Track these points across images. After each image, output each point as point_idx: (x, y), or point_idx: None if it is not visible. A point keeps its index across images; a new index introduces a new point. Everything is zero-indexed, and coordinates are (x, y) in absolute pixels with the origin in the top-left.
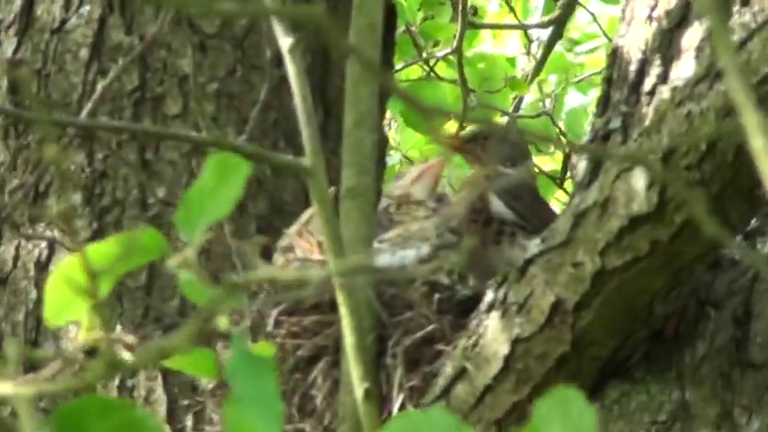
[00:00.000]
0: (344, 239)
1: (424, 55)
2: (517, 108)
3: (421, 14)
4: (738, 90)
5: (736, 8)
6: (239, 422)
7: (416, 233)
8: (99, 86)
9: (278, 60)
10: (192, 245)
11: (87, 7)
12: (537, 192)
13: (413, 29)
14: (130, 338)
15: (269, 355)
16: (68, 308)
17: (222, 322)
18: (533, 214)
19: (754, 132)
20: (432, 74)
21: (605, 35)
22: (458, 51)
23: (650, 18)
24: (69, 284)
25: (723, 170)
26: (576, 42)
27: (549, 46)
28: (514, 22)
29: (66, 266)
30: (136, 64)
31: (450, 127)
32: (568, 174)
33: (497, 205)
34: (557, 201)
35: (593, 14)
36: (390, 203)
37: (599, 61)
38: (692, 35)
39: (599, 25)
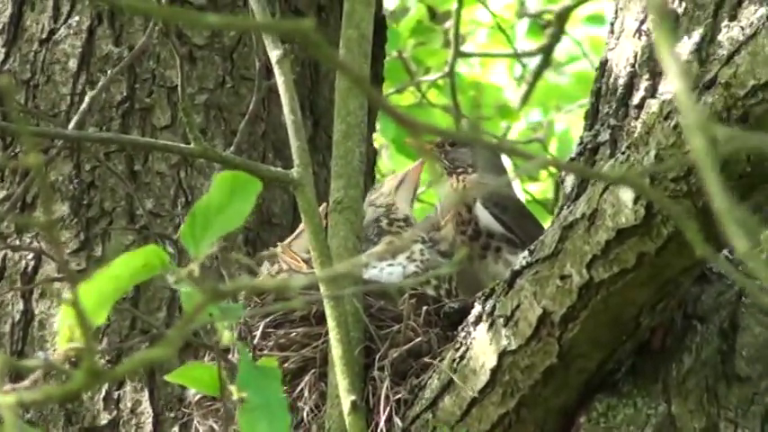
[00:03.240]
0: (332, 251)
1: (416, 80)
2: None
3: (412, 41)
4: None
5: (724, 23)
6: (252, 430)
7: (403, 248)
8: (87, 97)
9: (267, 72)
10: (197, 259)
11: (76, 18)
12: (523, 205)
13: (404, 55)
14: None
15: (274, 366)
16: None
17: (226, 336)
18: (520, 227)
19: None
20: (423, 100)
21: (590, 62)
22: (450, 76)
23: (639, 32)
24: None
25: None
26: (561, 64)
27: (537, 74)
28: (502, 50)
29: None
30: (124, 75)
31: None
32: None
33: (485, 217)
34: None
35: (578, 43)
36: (381, 215)
37: (585, 82)
38: (681, 48)
39: (584, 53)
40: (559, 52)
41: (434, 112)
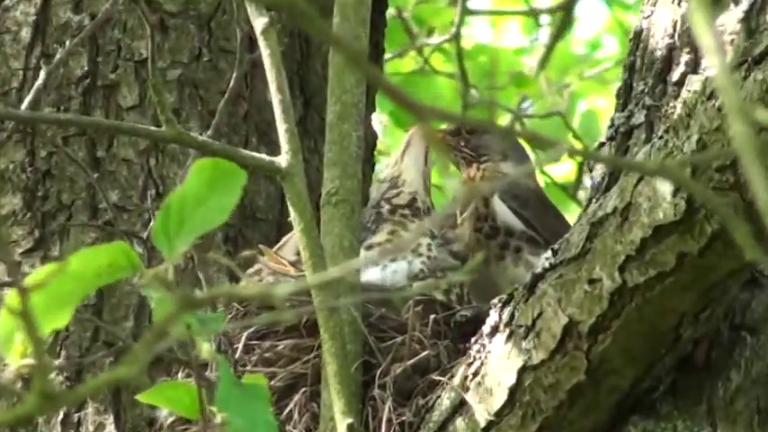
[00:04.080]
0: (325, 251)
1: (418, 44)
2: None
3: None
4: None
5: None
6: None
7: (408, 244)
8: (42, 72)
9: (250, 43)
10: (171, 259)
11: None
12: (546, 198)
13: (405, 14)
14: None
15: (261, 384)
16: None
17: (205, 350)
18: (544, 224)
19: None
20: (426, 66)
21: (616, 20)
22: (456, 39)
23: None
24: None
25: None
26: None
27: (556, 35)
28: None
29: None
30: (85, 46)
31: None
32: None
33: (503, 213)
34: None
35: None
36: (383, 195)
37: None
38: (728, 17)
39: (616, 20)
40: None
41: (438, 80)
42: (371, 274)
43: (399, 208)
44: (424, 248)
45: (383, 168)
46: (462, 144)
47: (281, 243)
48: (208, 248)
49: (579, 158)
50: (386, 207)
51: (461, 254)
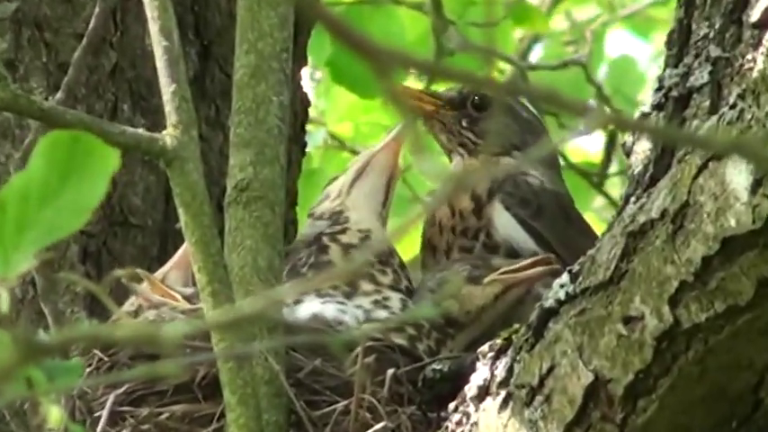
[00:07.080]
0: (232, 274)
1: None
2: (527, 54)
3: None
4: None
5: None
6: None
7: (369, 293)
8: None
9: None
10: (6, 281)
11: None
12: (571, 205)
13: None
14: None
15: None
16: None
17: (54, 417)
18: (564, 241)
19: None
20: None
21: None
22: None
23: None
24: None
25: None
26: None
27: None
28: None
29: None
30: None
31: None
32: (612, 166)
33: (504, 221)
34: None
35: None
36: (320, 234)
37: None
38: None
39: None
40: None
41: (400, 13)
42: (304, 312)
43: (351, 248)
44: (395, 302)
45: (320, 200)
46: (465, 124)
47: (165, 268)
48: (58, 268)
49: (610, 129)
50: (331, 246)
51: (458, 319)
